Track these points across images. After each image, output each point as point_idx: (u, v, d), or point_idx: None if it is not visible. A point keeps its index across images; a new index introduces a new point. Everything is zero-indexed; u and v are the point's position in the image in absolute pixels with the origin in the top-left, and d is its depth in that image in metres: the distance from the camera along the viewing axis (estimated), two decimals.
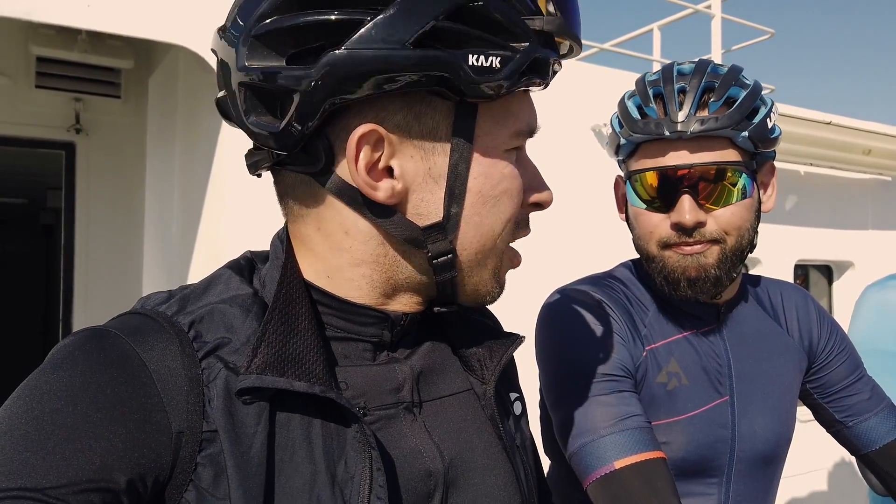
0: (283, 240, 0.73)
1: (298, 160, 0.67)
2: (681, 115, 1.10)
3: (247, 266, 0.75)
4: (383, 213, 0.67)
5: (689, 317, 1.21)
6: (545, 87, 0.71)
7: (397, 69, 0.61)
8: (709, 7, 4.80)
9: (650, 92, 1.15)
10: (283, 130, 0.64)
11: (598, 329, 1.14)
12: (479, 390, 0.79)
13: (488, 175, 0.68)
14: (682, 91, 1.12)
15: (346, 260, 0.70)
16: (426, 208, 0.68)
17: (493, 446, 0.77)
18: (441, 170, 0.67)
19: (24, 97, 3.93)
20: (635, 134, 1.14)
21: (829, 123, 3.86)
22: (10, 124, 3.96)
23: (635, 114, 1.16)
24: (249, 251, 0.78)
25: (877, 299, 1.71)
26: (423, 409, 0.74)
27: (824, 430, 1.33)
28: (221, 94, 0.69)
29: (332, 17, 0.62)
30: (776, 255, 4.12)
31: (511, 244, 0.74)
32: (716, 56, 4.74)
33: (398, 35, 0.61)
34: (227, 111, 0.69)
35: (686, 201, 1.10)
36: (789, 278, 4.20)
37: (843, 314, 4.54)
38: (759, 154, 1.15)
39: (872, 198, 4.58)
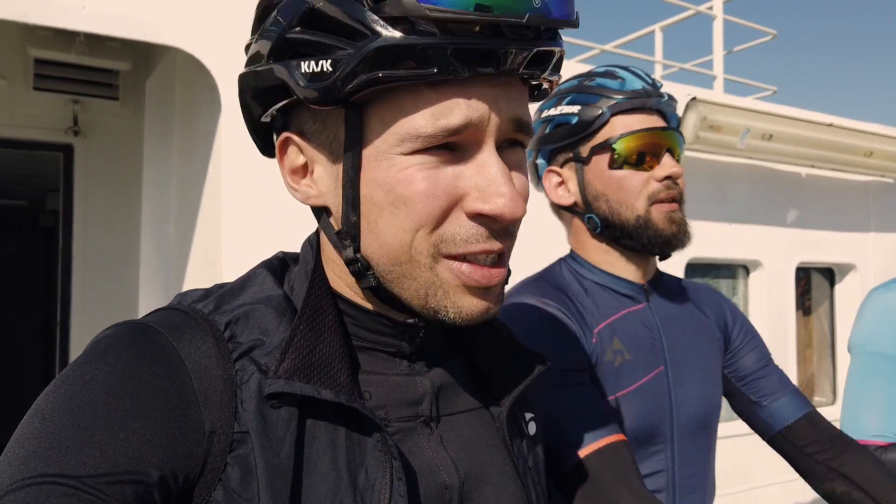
0: (314, 245, 0.74)
1: None
2: (650, 88, 1.30)
3: (279, 267, 0.76)
4: (317, 214, 0.71)
5: (622, 296, 1.32)
6: (493, 72, 0.60)
7: (253, 84, 0.67)
8: (710, 8, 4.79)
9: (613, 72, 1.33)
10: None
11: (549, 333, 1.21)
12: (494, 410, 0.79)
13: (380, 181, 0.63)
14: (637, 73, 1.32)
15: (325, 257, 0.73)
16: (335, 213, 0.68)
17: (506, 465, 0.77)
18: (341, 175, 0.66)
19: (22, 99, 3.93)
20: (616, 98, 1.29)
21: (830, 125, 3.84)
22: (8, 126, 3.96)
23: (620, 83, 1.31)
24: (282, 252, 0.79)
25: (880, 302, 1.69)
26: (440, 423, 0.74)
27: (738, 416, 1.44)
28: None
29: (248, 43, 0.70)
30: (778, 257, 4.10)
31: (465, 259, 0.65)
32: (718, 57, 4.72)
33: (262, 52, 0.66)
34: None
35: (668, 157, 1.27)
36: (791, 281, 4.18)
37: (844, 317, 4.52)
38: None
39: (874, 200, 4.55)
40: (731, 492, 3.57)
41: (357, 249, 0.66)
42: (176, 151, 3.38)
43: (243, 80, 0.69)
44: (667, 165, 1.26)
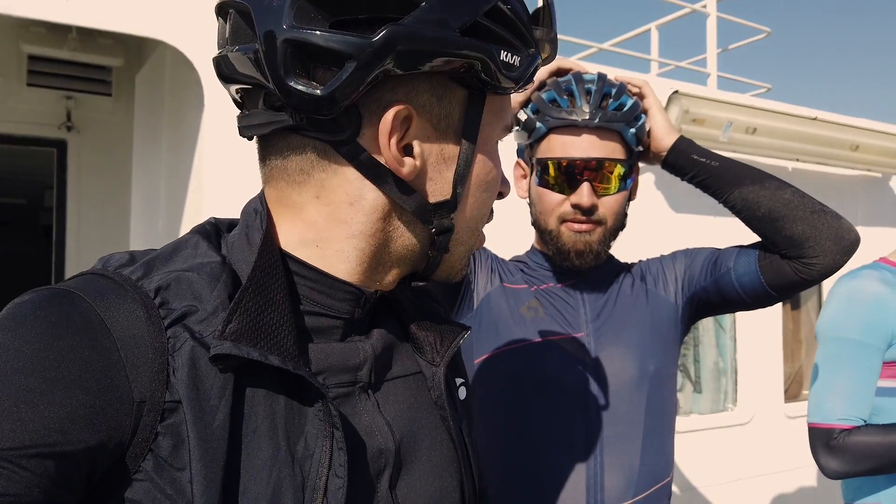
0: (259, 210, 0.72)
1: (323, 126, 0.66)
2: (587, 108, 1.36)
3: (213, 232, 0.73)
4: (402, 188, 0.69)
5: (546, 274, 1.50)
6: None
7: (448, 52, 0.66)
8: (704, 6, 4.79)
9: (563, 87, 1.40)
10: (329, 96, 0.63)
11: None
12: (427, 373, 0.81)
13: (485, 162, 0.75)
14: (589, 91, 1.38)
15: (343, 232, 0.70)
16: (435, 187, 0.72)
17: (438, 427, 0.79)
18: (451, 152, 0.72)
19: (15, 95, 3.96)
20: (551, 118, 1.38)
21: (814, 119, 3.85)
22: (1, 122, 3.99)
23: (549, 103, 1.40)
24: (213, 217, 0.77)
25: (846, 288, 1.71)
26: (378, 389, 0.75)
27: (738, 309, 1.50)
28: (226, 51, 0.68)
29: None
30: None
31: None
32: (711, 55, 4.72)
33: (452, 21, 0.65)
34: (229, 70, 0.68)
35: (585, 187, 1.37)
36: None
37: None
38: (635, 153, 1.45)
39: (862, 194, 4.54)
40: (715, 482, 3.59)
41: (453, 219, 0.74)
42: (165, 146, 3.40)
43: (413, 34, 0.63)
44: (580, 195, 1.37)
